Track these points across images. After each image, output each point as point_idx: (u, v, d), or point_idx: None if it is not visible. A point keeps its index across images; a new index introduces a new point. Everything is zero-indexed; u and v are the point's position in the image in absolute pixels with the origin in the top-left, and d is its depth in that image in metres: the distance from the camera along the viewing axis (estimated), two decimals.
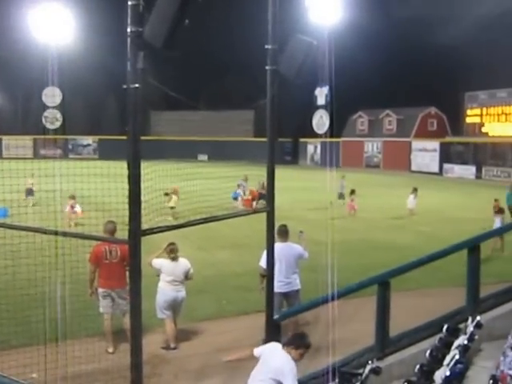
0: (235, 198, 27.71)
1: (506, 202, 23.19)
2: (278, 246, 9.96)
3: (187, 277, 10.25)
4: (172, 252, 10.01)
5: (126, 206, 5.07)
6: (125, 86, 4.58)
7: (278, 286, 9.85)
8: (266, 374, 6.20)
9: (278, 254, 9.63)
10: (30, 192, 24.49)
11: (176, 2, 4.54)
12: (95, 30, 46.61)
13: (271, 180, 7.09)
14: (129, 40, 4.58)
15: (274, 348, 6.49)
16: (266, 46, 6.50)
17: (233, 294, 13.04)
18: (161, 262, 10.03)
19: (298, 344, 6.33)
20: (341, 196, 28.22)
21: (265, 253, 9.15)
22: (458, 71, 57.66)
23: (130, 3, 4.56)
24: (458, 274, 11.18)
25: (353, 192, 26.34)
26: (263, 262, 9.32)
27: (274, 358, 6.30)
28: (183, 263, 10.20)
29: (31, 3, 40.13)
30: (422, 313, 8.78)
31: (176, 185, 20.41)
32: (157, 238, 6.00)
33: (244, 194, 28.29)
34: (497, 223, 18.39)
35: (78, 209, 21.16)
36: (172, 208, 19.60)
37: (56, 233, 6.21)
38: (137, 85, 4.59)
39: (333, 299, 6.61)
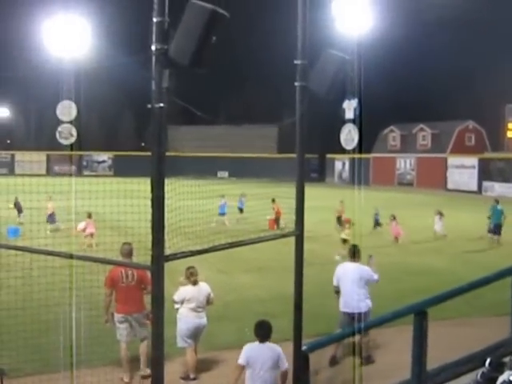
0: (222, 214, 27.55)
1: (493, 220, 23.75)
2: (348, 265, 10.89)
3: (208, 301, 10.25)
4: (192, 275, 9.99)
5: (142, 226, 5.13)
6: (149, 106, 4.67)
7: (344, 306, 10.58)
8: (271, 367, 7.72)
9: (347, 274, 10.66)
10: (51, 218, 24.53)
11: (203, 18, 4.63)
12: (113, 44, 47.34)
13: (300, 201, 7.12)
14: (154, 58, 4.68)
15: (263, 347, 7.89)
16: (295, 62, 6.56)
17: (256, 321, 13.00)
18: (182, 290, 10.03)
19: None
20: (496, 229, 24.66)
21: (337, 270, 10.69)
22: (497, 82, 57.36)
23: (154, 20, 4.66)
24: (500, 301, 11.09)
25: (393, 218, 25.29)
26: (335, 280, 10.74)
27: (272, 351, 7.85)
28: (204, 287, 10.21)
29: (46, 14, 40.92)
30: (461, 344, 8.70)
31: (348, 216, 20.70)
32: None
33: (241, 210, 28.25)
34: None
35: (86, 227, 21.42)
36: (345, 241, 19.21)
37: (71, 256, 6.30)
38: (162, 104, 4.68)
39: (366, 330, 6.59)
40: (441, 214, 26.12)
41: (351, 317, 10.38)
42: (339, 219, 25.29)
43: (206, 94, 57.60)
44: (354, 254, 10.95)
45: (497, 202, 25.25)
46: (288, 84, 6.86)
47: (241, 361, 7.79)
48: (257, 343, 7.91)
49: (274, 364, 7.74)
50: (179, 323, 9.90)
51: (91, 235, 21.23)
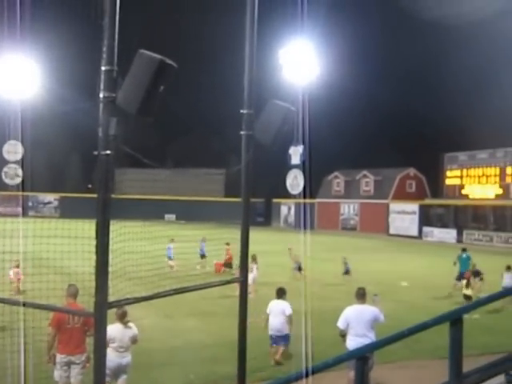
0: (170, 258, 26.03)
1: (460, 268, 23.57)
2: (355, 308, 11.10)
3: (133, 341, 10.12)
4: (124, 316, 9.90)
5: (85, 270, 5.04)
6: (96, 153, 4.63)
7: (352, 346, 10.44)
8: (280, 313, 13.04)
9: (361, 316, 10.85)
10: None
11: (151, 67, 4.66)
12: (61, 85, 46.96)
13: (245, 247, 7.13)
14: (101, 105, 4.67)
15: (278, 302, 13.28)
16: (242, 111, 6.63)
17: (201, 366, 12.83)
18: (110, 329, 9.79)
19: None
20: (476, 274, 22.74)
21: (346, 312, 10.97)
22: (437, 132, 59.16)
23: (103, 68, 4.67)
24: (438, 345, 11.26)
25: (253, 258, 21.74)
26: (340, 323, 10.99)
27: (281, 304, 13.15)
28: (132, 329, 10.10)
29: None
30: None
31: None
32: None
33: (203, 256, 27.60)
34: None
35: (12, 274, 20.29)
36: (468, 297, 18.93)
37: (24, 304, 6.15)
38: (108, 151, 4.65)
39: (307, 375, 6.59)
40: (255, 261, 22.12)
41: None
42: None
43: (154, 138, 57.46)
44: (361, 295, 11.21)
45: (463, 250, 25.10)
46: (235, 130, 6.93)
47: (267, 310, 13.17)
48: (276, 300, 13.24)
49: (281, 311, 12.97)
50: None
51: (18, 281, 20.03)
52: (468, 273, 21.86)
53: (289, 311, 12.97)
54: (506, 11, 39.42)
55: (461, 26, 46.16)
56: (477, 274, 22.16)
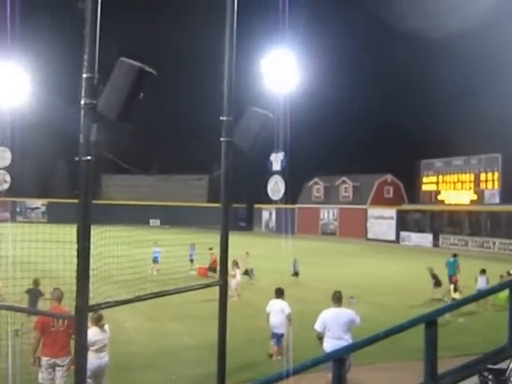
0: (155, 260, 26.39)
1: (449, 272, 23.52)
2: (332, 311, 11.00)
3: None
4: (100, 320, 9.94)
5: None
6: (77, 158, 4.58)
7: (329, 348, 10.36)
8: (279, 312, 13.28)
9: (338, 319, 10.78)
10: None
11: (131, 75, 4.63)
12: (49, 93, 46.65)
13: (224, 252, 7.09)
14: (82, 112, 4.62)
15: (277, 301, 13.60)
16: (221, 118, 6.61)
17: (183, 368, 12.76)
18: (89, 333, 9.73)
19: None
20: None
21: (323, 316, 10.80)
22: (413, 139, 59.46)
23: (84, 76, 4.62)
24: (414, 347, 11.26)
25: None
26: (318, 326, 10.84)
27: (280, 303, 13.47)
28: (108, 331, 10.19)
29: None
30: None
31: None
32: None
33: (192, 261, 27.51)
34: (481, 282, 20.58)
35: None
36: (453, 300, 18.63)
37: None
38: (89, 157, 4.59)
39: (288, 376, 6.56)
40: (237, 266, 22.56)
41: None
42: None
43: (140, 146, 57.23)
44: (337, 299, 11.10)
45: (454, 255, 24.88)
46: (218, 137, 6.91)
47: (267, 309, 13.53)
48: (275, 299, 13.61)
49: (281, 310, 13.30)
50: None
51: None
52: (455, 277, 21.89)
53: (288, 310, 13.32)
54: (481, 25, 39.81)
55: (439, 37, 46.58)
56: (434, 277, 22.36)
